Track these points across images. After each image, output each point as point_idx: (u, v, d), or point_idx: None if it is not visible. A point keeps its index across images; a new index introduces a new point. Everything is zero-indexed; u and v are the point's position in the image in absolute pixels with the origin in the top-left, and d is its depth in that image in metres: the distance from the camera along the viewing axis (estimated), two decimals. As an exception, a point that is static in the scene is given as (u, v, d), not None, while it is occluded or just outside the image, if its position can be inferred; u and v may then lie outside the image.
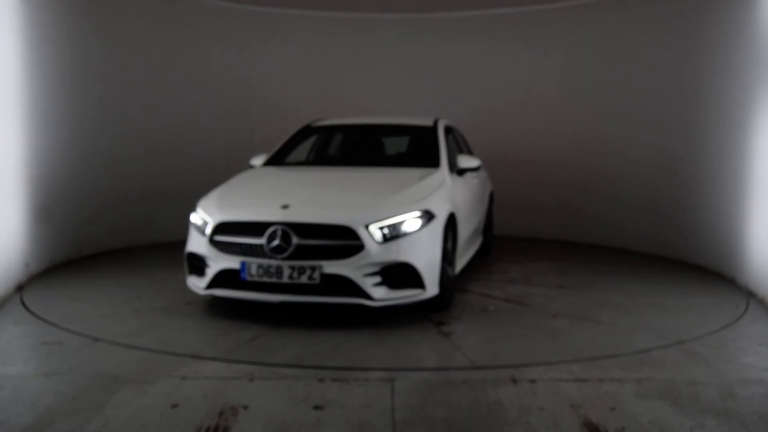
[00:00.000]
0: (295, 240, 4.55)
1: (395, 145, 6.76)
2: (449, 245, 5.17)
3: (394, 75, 9.48)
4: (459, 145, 6.83)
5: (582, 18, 8.54)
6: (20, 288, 5.76)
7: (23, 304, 5.27)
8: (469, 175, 6.20)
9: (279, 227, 4.58)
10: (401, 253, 4.60)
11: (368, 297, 4.57)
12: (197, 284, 5.01)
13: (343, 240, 4.55)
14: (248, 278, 4.65)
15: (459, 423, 3.18)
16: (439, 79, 9.37)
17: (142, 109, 8.06)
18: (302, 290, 4.59)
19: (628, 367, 3.92)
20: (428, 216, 4.82)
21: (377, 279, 4.58)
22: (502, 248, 8.01)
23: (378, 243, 4.56)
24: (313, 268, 4.53)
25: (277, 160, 6.30)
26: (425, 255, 4.72)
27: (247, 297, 4.76)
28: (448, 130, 6.55)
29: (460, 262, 5.80)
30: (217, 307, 5.22)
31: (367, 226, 4.57)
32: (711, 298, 5.69)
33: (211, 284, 4.86)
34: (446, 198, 5.21)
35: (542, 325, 4.86)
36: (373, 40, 9.42)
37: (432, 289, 4.79)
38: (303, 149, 6.72)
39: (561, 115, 8.77)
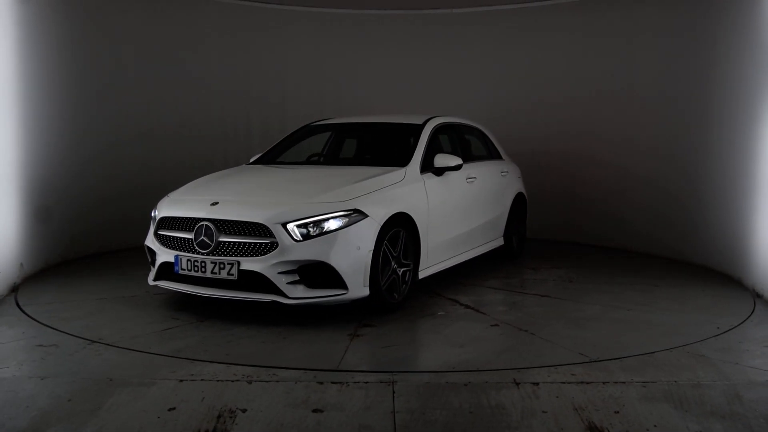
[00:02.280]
0: (216, 236, 4.72)
1: (385, 143, 6.64)
2: (400, 246, 5.11)
3: (398, 71, 9.44)
4: (463, 144, 6.66)
5: (586, 15, 8.50)
6: (15, 289, 5.71)
7: (18, 305, 5.22)
8: (456, 174, 6.01)
9: (204, 223, 4.77)
10: (319, 252, 4.60)
11: (283, 294, 4.61)
12: (150, 276, 5.28)
13: (260, 237, 4.64)
14: (180, 271, 4.88)
15: (460, 426, 3.13)
16: (443, 76, 9.34)
17: (140, 108, 8.02)
18: (224, 285, 4.74)
19: (632, 370, 3.87)
20: (357, 215, 4.75)
21: (294, 277, 4.62)
22: (541, 253, 7.86)
23: (296, 241, 4.60)
24: (231, 264, 4.66)
25: (267, 158, 6.41)
26: (349, 255, 4.67)
27: (179, 289, 4.97)
28: (444, 129, 6.47)
29: (435, 265, 5.70)
30: (175, 299, 5.41)
31: (285, 224, 4.61)
32: (701, 315, 5.14)
33: (158, 276, 5.13)
34: (393, 198, 5.11)
35: (469, 333, 4.65)
36: (376, 37, 9.40)
37: (358, 290, 4.72)
38: (304, 147, 6.70)
39: (566, 115, 8.73)
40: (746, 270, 6.14)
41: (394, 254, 5.05)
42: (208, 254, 4.75)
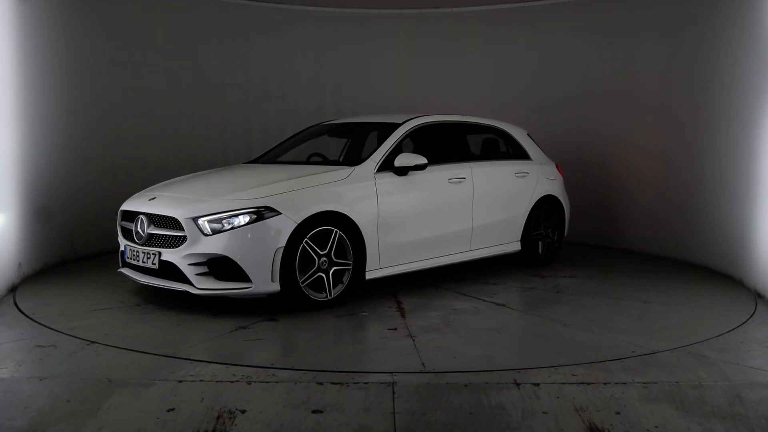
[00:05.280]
0: (147, 229, 5.15)
1: (366, 142, 6.60)
2: (331, 245, 5.13)
3: (398, 70, 9.45)
4: (464, 144, 6.53)
5: (589, 14, 8.49)
6: (13, 289, 5.70)
7: (16, 305, 5.21)
8: (432, 174, 5.88)
9: (140, 216, 5.22)
10: (223, 246, 4.83)
11: (193, 285, 4.89)
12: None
13: (177, 231, 4.97)
14: (127, 260, 5.39)
15: (461, 427, 3.12)
16: (443, 75, 9.35)
17: (139, 109, 8.02)
18: (153, 273, 5.12)
19: (633, 370, 3.86)
20: (268, 212, 4.89)
21: (203, 269, 4.88)
22: (578, 259, 7.51)
23: (206, 235, 4.86)
24: (154, 255, 5.06)
25: (264, 158, 6.64)
26: (254, 250, 4.84)
27: (128, 275, 5.41)
28: (440, 128, 6.41)
29: (395, 266, 5.63)
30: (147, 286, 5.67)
31: (195, 219, 4.89)
32: (641, 339, 4.47)
33: (123, 264, 5.53)
34: (324, 196, 5.17)
35: (351, 336, 4.68)
36: (376, 36, 9.40)
37: (264, 285, 4.87)
38: (302, 147, 6.73)
39: (568, 114, 8.73)
40: (747, 271, 6.13)
41: (321, 252, 5.09)
42: (142, 245, 5.18)
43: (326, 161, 6.55)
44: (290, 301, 5.06)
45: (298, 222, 4.95)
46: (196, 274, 4.88)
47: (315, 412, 3.26)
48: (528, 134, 7.36)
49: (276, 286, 4.91)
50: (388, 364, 4.02)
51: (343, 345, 4.53)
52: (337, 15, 9.26)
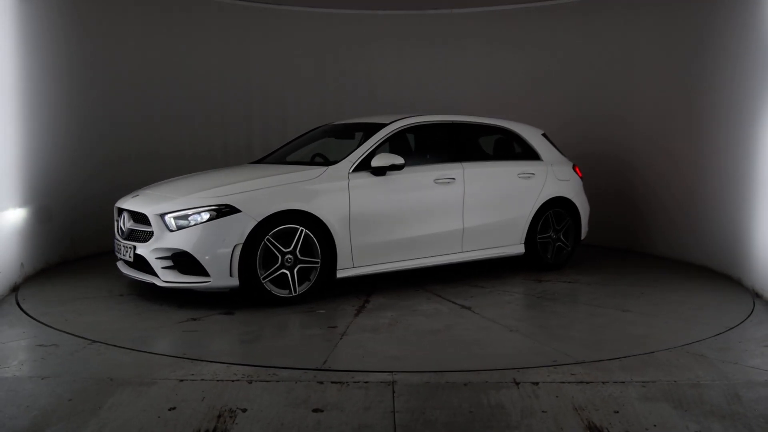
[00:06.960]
0: (127, 224, 5.43)
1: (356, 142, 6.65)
2: (296, 243, 5.21)
3: (398, 71, 9.46)
4: (460, 144, 6.46)
5: (588, 16, 8.51)
6: (15, 289, 5.72)
7: (18, 305, 5.23)
8: (416, 174, 5.90)
9: (124, 213, 5.51)
10: (183, 241, 5.04)
11: (159, 277, 5.14)
12: None
13: (148, 226, 5.22)
14: (116, 254, 5.66)
15: (460, 426, 3.13)
16: (443, 76, 9.36)
17: (140, 109, 8.03)
18: (133, 266, 5.40)
19: (632, 370, 3.87)
20: (228, 210, 5.06)
21: (169, 263, 5.10)
22: (590, 264, 7.28)
23: (170, 231, 5.09)
24: (130, 248, 5.33)
25: (269, 158, 6.74)
26: (213, 246, 5.01)
27: (119, 268, 5.69)
28: (435, 129, 6.40)
29: (371, 266, 5.65)
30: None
31: (162, 216, 5.13)
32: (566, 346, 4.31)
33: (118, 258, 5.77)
34: (290, 195, 5.28)
35: (289, 332, 4.75)
36: (377, 37, 9.41)
37: (223, 280, 5.04)
38: (301, 148, 6.76)
39: (568, 114, 8.74)
40: (746, 270, 6.14)
41: (285, 250, 5.17)
42: (124, 239, 5.44)
43: (327, 162, 6.55)
44: (251, 296, 5.19)
45: (259, 220, 5.07)
46: (162, 268, 5.11)
47: (315, 411, 3.27)
48: (544, 134, 7.20)
49: (235, 281, 5.06)
50: (288, 359, 4.03)
51: (266, 340, 4.51)
52: (337, 15, 9.28)
